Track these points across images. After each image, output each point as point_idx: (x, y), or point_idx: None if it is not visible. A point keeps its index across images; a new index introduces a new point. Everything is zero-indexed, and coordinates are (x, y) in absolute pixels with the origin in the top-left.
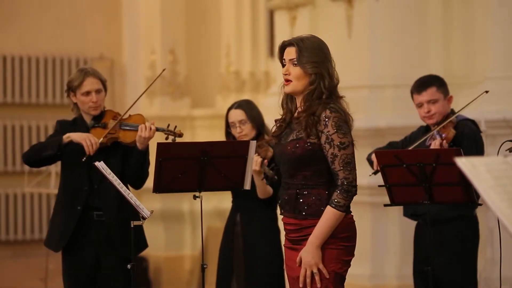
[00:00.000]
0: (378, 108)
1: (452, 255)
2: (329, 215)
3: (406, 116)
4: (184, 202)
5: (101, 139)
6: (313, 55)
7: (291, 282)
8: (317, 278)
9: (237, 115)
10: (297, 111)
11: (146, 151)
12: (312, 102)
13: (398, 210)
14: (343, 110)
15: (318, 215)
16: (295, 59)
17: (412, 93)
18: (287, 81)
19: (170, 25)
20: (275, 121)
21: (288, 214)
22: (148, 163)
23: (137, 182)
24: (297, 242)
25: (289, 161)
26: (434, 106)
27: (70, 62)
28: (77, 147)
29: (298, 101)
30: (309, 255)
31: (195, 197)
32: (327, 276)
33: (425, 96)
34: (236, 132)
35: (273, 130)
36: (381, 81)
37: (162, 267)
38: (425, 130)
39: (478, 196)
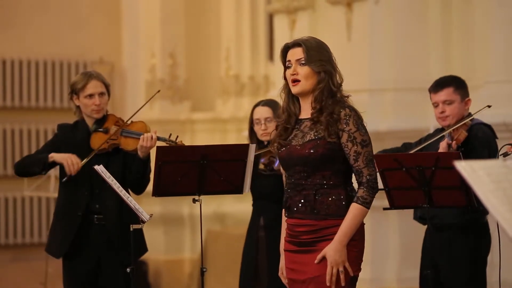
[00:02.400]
0: (378, 112)
1: (461, 262)
2: (356, 212)
3: (407, 119)
4: (183, 205)
5: (96, 149)
6: (320, 54)
7: (298, 287)
8: (342, 276)
9: (264, 112)
10: (310, 112)
11: (147, 159)
12: (326, 101)
13: (398, 213)
14: (356, 109)
15: (338, 214)
16: (302, 59)
17: (430, 92)
18: (295, 81)
19: (170, 29)
20: (276, 126)
21: (302, 215)
22: (149, 170)
23: (138, 188)
24: (311, 244)
25: (306, 161)
26: (449, 108)
27: (70, 66)
28: (75, 153)
29: (306, 102)
30: (336, 253)
31: (194, 201)
32: (351, 275)
33: (441, 96)
34: (260, 129)
35: (278, 134)
36: (381, 84)
37: (162, 270)
38: (440, 132)
39: (478, 200)
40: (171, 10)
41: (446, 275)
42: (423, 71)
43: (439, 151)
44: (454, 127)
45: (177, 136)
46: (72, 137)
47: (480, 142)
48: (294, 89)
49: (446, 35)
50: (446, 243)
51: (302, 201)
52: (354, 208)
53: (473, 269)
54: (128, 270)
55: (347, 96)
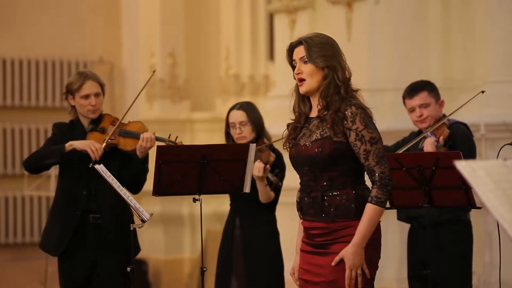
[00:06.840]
0: (378, 112)
1: (449, 258)
2: (372, 212)
3: (406, 119)
4: (183, 205)
5: (103, 144)
6: (323, 49)
7: None
8: (360, 279)
9: (238, 116)
10: (317, 109)
11: (145, 159)
12: (331, 97)
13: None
14: (364, 106)
15: (348, 216)
16: (305, 57)
17: (404, 98)
18: (301, 80)
19: (169, 28)
20: (287, 125)
21: (312, 218)
22: (146, 170)
23: (134, 188)
24: (324, 246)
25: (313, 162)
26: (426, 110)
27: (70, 66)
28: (76, 152)
29: (314, 100)
30: (356, 257)
31: (194, 200)
32: (368, 277)
33: (417, 100)
34: (235, 133)
35: (288, 133)
36: (381, 84)
37: (162, 270)
38: (416, 134)
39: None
40: (171, 10)
41: (434, 271)
42: (423, 71)
43: (425, 149)
44: (434, 127)
45: (177, 137)
46: (69, 135)
47: (461, 139)
48: (302, 89)
49: (446, 35)
50: (432, 240)
51: (311, 203)
52: (369, 209)
53: (459, 264)
54: (128, 269)
55: (356, 91)
